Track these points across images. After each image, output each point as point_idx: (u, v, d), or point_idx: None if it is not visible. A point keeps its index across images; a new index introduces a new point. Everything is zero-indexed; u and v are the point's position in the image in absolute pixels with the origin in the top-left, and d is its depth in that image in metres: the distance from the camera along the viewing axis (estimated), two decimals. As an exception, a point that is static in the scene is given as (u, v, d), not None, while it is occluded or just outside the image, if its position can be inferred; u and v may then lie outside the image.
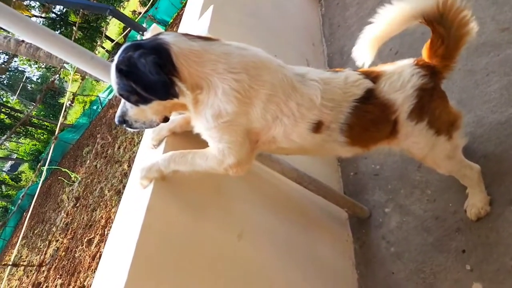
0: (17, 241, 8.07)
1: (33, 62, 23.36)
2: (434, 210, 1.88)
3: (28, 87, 33.53)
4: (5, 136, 19.19)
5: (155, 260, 1.13)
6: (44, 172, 8.28)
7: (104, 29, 20.04)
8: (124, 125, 1.26)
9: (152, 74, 1.07)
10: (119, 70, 1.11)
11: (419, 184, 2.03)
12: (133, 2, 20.32)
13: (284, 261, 1.67)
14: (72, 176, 9.73)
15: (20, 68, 31.33)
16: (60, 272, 6.25)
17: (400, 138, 1.41)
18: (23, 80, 31.33)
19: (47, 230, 9.15)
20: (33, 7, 19.71)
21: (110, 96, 12.56)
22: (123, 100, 1.22)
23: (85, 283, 5.16)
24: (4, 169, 33.47)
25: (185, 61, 1.13)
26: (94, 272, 4.97)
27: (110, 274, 1.18)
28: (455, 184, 1.75)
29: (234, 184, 1.60)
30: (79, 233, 6.58)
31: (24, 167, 29.75)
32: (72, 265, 5.98)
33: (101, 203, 6.65)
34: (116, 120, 1.25)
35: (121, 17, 4.26)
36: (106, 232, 5.56)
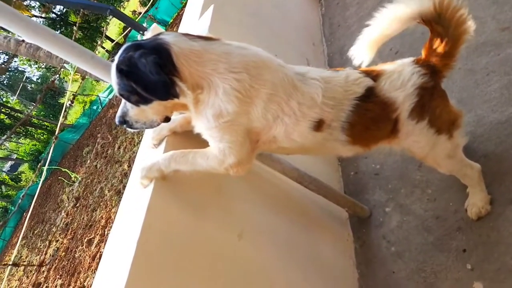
0: (17, 241, 8.05)
1: (33, 62, 23.36)
2: (434, 210, 1.89)
3: (28, 87, 33.55)
4: (5, 136, 19.20)
5: (155, 260, 1.13)
6: (44, 172, 8.26)
7: (104, 29, 20.02)
8: (125, 126, 1.26)
9: (153, 74, 1.07)
10: (119, 70, 1.11)
11: (419, 183, 2.03)
12: (133, 2, 20.30)
13: (284, 260, 1.67)
14: (72, 176, 9.72)
15: (20, 68, 31.41)
16: (60, 272, 6.24)
17: (401, 137, 1.41)
18: (23, 80, 31.34)
19: (47, 230, 9.13)
20: (33, 7, 19.70)
21: (110, 96, 12.53)
22: (123, 101, 1.22)
23: (85, 283, 5.15)
24: (4, 169, 33.45)
25: (185, 61, 1.13)
26: (94, 272, 4.96)
27: (110, 274, 1.18)
28: (456, 184, 1.75)
29: (235, 183, 1.60)
30: (79, 233, 6.57)
31: (24, 167, 29.72)
32: (72, 265, 5.97)
33: (101, 203, 6.64)
34: (116, 120, 1.25)
35: (121, 17, 4.25)
36: (106, 232, 5.55)
